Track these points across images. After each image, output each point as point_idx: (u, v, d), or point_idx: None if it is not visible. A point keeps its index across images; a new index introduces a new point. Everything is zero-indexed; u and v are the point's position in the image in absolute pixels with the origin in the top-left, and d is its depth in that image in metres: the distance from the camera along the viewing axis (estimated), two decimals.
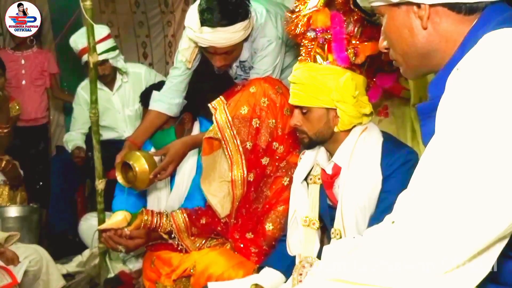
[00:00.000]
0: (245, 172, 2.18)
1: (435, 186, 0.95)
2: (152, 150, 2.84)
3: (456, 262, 0.93)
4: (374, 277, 0.98)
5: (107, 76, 3.76)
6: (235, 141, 2.18)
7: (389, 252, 0.97)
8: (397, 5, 1.17)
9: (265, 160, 2.21)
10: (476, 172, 0.91)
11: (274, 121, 2.19)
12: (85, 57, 3.50)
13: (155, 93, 2.78)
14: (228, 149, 2.18)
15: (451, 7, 1.12)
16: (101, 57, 3.32)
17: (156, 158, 2.65)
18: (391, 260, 0.96)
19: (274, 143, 2.21)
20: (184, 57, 2.56)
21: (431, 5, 1.12)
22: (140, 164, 2.53)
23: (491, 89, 0.93)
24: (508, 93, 0.92)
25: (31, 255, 2.66)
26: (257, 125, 2.18)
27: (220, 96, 2.27)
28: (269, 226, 2.19)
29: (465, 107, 0.95)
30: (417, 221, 0.96)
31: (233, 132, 2.18)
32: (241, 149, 2.18)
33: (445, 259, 0.93)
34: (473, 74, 0.97)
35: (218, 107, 2.22)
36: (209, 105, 2.27)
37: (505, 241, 0.95)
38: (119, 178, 2.61)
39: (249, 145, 2.18)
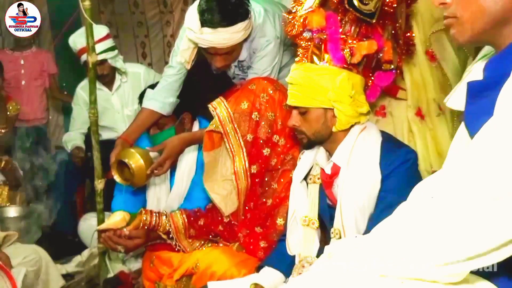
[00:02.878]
0: (247, 163, 2.20)
1: (485, 166, 0.94)
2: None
3: (481, 249, 0.93)
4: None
5: (106, 76, 3.75)
6: (236, 134, 2.21)
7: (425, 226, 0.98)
8: None
9: (266, 151, 2.23)
10: None
11: (273, 114, 2.23)
12: (84, 57, 3.52)
13: (149, 91, 2.78)
14: (230, 143, 2.21)
15: None
16: (99, 57, 3.32)
17: (154, 154, 2.64)
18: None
19: (275, 136, 2.23)
20: (184, 58, 2.55)
21: None
22: (135, 160, 2.53)
23: None
24: None
25: (30, 255, 2.66)
26: (257, 118, 2.22)
27: (220, 97, 2.29)
28: (280, 221, 2.21)
29: None
30: (457, 199, 0.95)
31: (234, 125, 2.21)
32: (242, 142, 2.21)
33: (472, 244, 0.93)
34: None
35: (218, 106, 2.24)
36: (209, 105, 2.28)
37: None
38: (116, 177, 2.61)
39: (250, 138, 2.22)
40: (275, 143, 2.24)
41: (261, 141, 2.22)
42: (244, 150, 2.21)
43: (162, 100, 2.71)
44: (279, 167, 2.24)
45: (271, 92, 2.24)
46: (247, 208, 2.28)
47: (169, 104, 2.72)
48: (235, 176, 2.22)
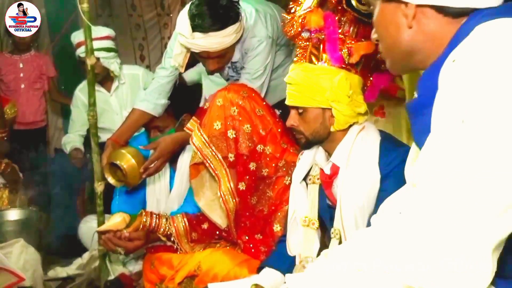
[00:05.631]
0: (231, 184, 2.20)
1: (441, 179, 0.96)
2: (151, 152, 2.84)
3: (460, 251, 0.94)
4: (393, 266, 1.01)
5: (97, 75, 3.74)
6: (216, 157, 2.19)
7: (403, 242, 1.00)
8: (386, 0, 1.19)
9: (252, 166, 2.21)
10: (483, 163, 0.92)
11: (249, 126, 2.20)
12: (79, 50, 3.62)
13: (141, 92, 2.79)
14: (212, 167, 2.20)
15: (438, 9, 1.12)
16: None
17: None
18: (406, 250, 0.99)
19: (259, 146, 2.21)
20: (177, 62, 2.55)
21: (418, 5, 1.13)
22: (126, 161, 2.54)
23: (491, 79, 0.93)
24: (503, 81, 0.93)
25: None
26: (234, 135, 2.19)
27: (193, 117, 2.32)
28: (277, 227, 2.21)
29: (466, 98, 0.95)
30: (427, 211, 0.97)
31: (212, 149, 2.19)
32: (224, 163, 2.20)
33: (453, 247, 0.94)
34: (471, 65, 0.97)
35: (194, 134, 2.23)
36: (184, 128, 2.32)
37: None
38: (110, 179, 2.62)
39: (231, 157, 2.19)
40: (261, 153, 2.22)
41: (245, 157, 2.20)
42: (228, 171, 2.20)
43: (154, 102, 2.71)
44: (273, 175, 2.23)
45: (240, 103, 2.20)
46: (244, 218, 2.27)
47: (161, 106, 2.73)
48: (222, 199, 2.21)
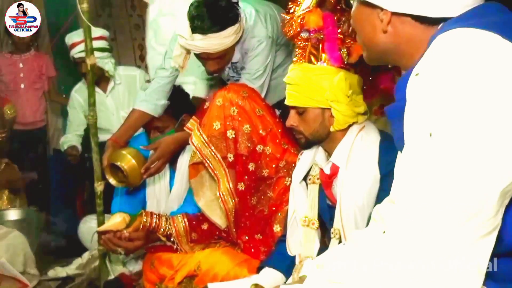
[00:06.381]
0: (230, 184, 2.19)
1: (416, 197, 0.98)
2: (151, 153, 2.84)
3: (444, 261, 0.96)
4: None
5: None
6: (216, 157, 2.19)
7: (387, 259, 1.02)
8: (363, 3, 1.20)
9: (251, 166, 2.21)
10: (454, 175, 0.94)
11: (248, 126, 2.19)
12: (73, 51, 3.70)
13: (140, 92, 2.79)
14: (211, 167, 2.20)
15: (414, 17, 1.14)
16: (83, 54, 3.30)
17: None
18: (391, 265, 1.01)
19: (258, 146, 2.21)
20: (177, 63, 2.56)
21: (394, 13, 1.15)
22: (127, 161, 2.54)
23: (452, 92, 0.95)
24: (464, 92, 0.94)
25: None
26: (233, 135, 2.18)
27: (193, 117, 2.32)
28: (277, 228, 2.21)
29: (431, 112, 0.97)
30: (407, 227, 0.99)
31: (211, 149, 2.19)
32: (224, 164, 2.19)
33: (436, 259, 0.96)
34: (431, 79, 0.99)
35: (193, 133, 2.23)
36: (184, 128, 2.32)
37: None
38: (111, 180, 2.62)
39: (231, 157, 2.19)
40: (260, 153, 2.21)
41: (244, 157, 2.20)
42: (227, 171, 2.19)
43: (154, 102, 2.71)
44: (273, 176, 2.23)
45: (240, 103, 2.20)
46: (244, 218, 2.27)
47: (160, 106, 2.73)
48: (221, 200, 2.20)
